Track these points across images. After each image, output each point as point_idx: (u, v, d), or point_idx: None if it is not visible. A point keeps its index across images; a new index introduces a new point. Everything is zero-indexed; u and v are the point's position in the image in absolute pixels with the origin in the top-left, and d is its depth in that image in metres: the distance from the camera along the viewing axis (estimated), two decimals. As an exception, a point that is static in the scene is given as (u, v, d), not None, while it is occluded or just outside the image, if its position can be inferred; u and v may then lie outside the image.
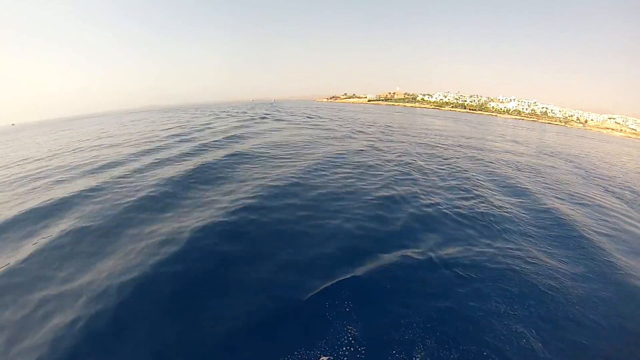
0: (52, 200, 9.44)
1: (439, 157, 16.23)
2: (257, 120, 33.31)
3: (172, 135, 23.25)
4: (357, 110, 63.59)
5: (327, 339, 4.13)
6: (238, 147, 16.38)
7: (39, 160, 17.72)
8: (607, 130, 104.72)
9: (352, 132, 23.95)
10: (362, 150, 16.48)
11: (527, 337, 4.39)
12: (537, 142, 30.85)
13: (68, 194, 9.88)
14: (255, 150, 15.62)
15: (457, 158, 16.25)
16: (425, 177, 11.94)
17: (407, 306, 4.81)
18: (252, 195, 9.01)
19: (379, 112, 65.49)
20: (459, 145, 21.06)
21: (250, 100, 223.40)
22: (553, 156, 21.62)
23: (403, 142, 20.73)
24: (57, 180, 12.19)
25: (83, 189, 10.33)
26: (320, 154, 14.67)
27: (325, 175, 11.36)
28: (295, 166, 12.43)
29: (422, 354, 3.99)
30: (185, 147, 17.13)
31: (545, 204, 9.87)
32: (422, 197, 9.60)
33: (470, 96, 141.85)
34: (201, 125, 30.25)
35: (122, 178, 11.48)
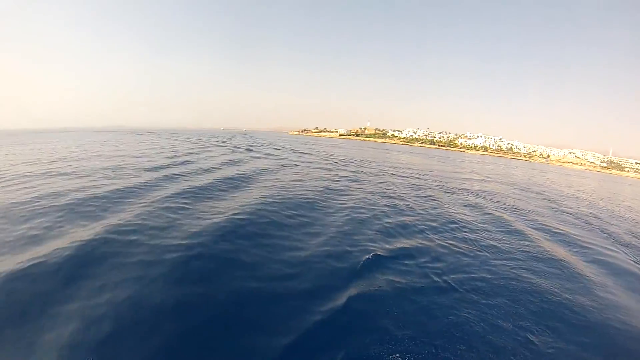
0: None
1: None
2: (250, 154, 33.09)
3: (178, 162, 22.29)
4: (332, 145, 65.08)
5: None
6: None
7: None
8: (568, 164, 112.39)
9: (355, 173, 22.11)
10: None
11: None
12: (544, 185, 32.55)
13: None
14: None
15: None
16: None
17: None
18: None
19: (353, 147, 67.10)
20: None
21: (222, 129, 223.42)
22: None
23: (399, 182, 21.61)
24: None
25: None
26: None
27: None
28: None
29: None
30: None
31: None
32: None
33: (440, 132, 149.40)
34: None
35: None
